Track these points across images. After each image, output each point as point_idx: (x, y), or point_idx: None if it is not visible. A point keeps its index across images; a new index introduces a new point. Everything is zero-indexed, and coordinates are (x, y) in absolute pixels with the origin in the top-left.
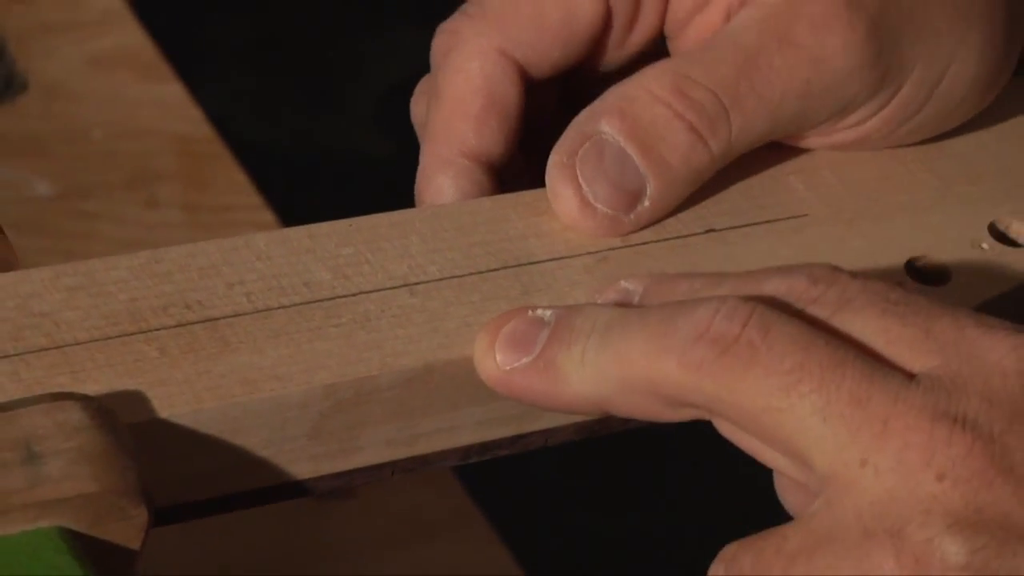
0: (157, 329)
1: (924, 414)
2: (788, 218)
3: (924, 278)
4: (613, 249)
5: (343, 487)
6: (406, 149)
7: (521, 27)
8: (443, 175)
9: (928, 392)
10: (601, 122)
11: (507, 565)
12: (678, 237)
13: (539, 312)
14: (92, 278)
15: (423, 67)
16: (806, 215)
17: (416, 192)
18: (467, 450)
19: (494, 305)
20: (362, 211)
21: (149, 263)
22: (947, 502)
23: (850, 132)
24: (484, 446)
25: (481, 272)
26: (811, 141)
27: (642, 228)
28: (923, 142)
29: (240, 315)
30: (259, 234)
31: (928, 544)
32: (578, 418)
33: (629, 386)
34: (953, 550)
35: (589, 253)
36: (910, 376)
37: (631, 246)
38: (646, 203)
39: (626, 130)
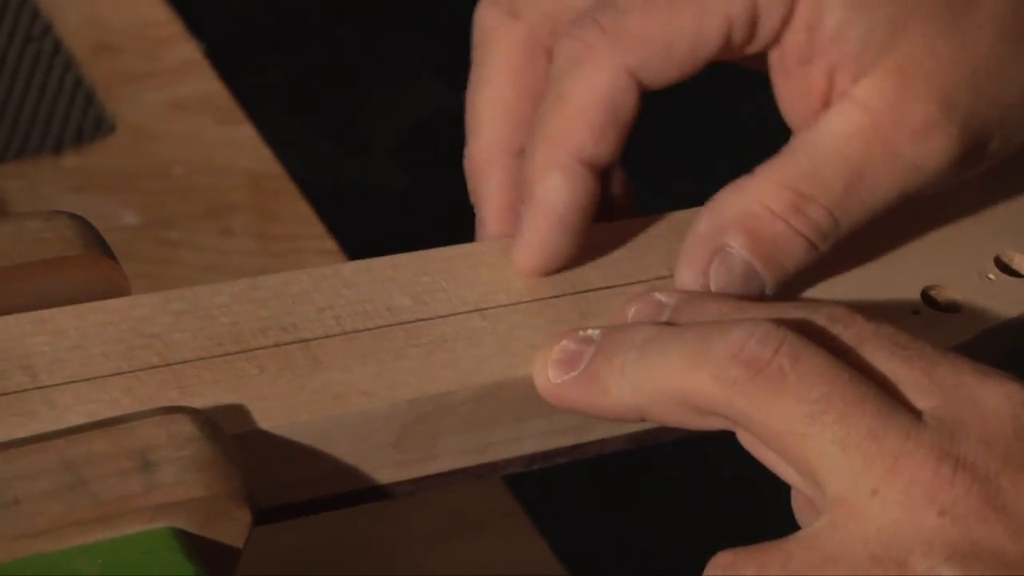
0: (256, 349)
1: (932, 453)
2: None
3: (938, 306)
4: (660, 278)
5: (420, 491)
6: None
7: (652, 52)
8: (559, 175)
9: (935, 432)
10: (727, 237)
11: (547, 560)
12: None
13: (588, 332)
14: (197, 303)
15: (440, 111)
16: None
17: (475, 183)
18: (531, 458)
19: (555, 327)
20: (380, 241)
21: (248, 290)
22: (947, 536)
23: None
24: (546, 454)
25: (544, 299)
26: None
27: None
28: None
29: (330, 336)
30: (346, 264)
31: (929, 573)
32: (630, 429)
33: (664, 396)
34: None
35: (640, 281)
36: (917, 415)
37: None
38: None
39: (751, 247)
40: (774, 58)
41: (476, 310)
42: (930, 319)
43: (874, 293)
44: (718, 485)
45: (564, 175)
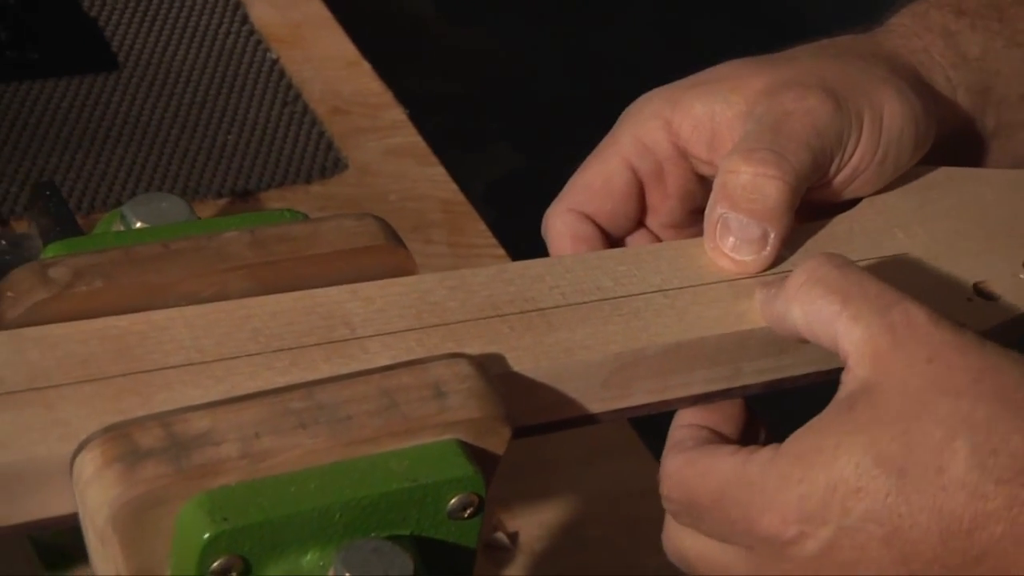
0: (507, 315)
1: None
2: (895, 254)
3: (984, 296)
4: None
5: (618, 419)
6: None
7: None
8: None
9: None
10: (717, 208)
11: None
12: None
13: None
14: (463, 281)
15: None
16: (906, 253)
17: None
18: (695, 398)
19: (716, 305)
20: None
21: (499, 273)
22: None
23: (845, 171)
24: (707, 395)
25: (707, 283)
26: (829, 192)
27: (780, 251)
28: (979, 210)
29: (558, 307)
30: (567, 256)
31: None
32: (768, 377)
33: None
34: None
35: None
36: None
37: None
38: (771, 237)
39: (731, 204)
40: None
41: (659, 291)
42: (979, 305)
43: (939, 285)
44: None
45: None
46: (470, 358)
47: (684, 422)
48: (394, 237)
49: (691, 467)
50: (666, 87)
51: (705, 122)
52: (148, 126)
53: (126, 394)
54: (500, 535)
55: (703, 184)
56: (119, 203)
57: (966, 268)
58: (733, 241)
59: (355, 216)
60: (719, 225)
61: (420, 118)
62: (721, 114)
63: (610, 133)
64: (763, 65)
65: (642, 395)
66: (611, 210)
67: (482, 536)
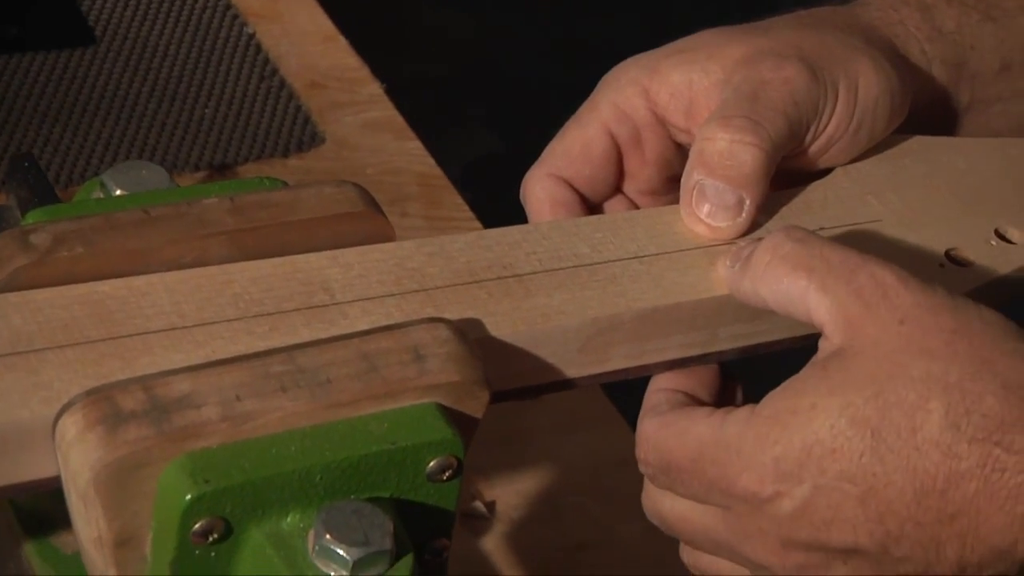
0: (485, 280)
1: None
2: (868, 222)
3: (956, 262)
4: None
5: (594, 384)
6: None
7: None
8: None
9: None
10: (694, 174)
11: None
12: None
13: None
14: (442, 247)
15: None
16: (879, 220)
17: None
18: (671, 363)
19: (691, 271)
20: None
21: (477, 239)
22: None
23: (820, 140)
24: (683, 360)
25: (683, 250)
26: (804, 160)
27: (755, 218)
28: (951, 178)
29: (536, 273)
30: (544, 222)
31: None
32: (742, 343)
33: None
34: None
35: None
36: None
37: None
38: (747, 203)
39: (707, 170)
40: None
41: (636, 257)
42: (951, 271)
43: (912, 252)
44: None
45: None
46: (449, 322)
47: (659, 386)
48: (372, 204)
49: (667, 429)
50: (644, 55)
51: (683, 90)
52: (126, 100)
53: (108, 358)
54: (478, 504)
55: (680, 152)
56: (96, 176)
57: (939, 235)
58: (709, 207)
59: (334, 183)
60: (695, 191)
61: (401, 98)
62: (698, 83)
63: (589, 99)
64: (741, 34)
65: (619, 360)
66: (589, 175)
67: (460, 501)
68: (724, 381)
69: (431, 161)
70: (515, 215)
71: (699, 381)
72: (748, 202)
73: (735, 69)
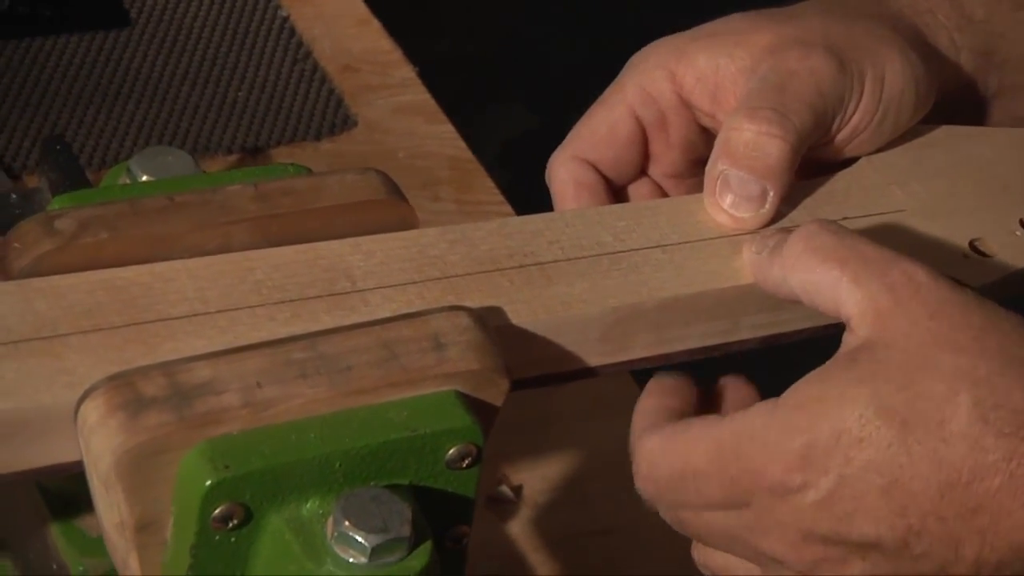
0: (507, 268)
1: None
2: (892, 212)
3: (980, 252)
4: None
5: (616, 372)
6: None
7: None
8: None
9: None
10: (719, 164)
11: None
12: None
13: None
14: (464, 235)
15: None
16: (903, 211)
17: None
18: (692, 352)
19: (713, 260)
20: None
21: (499, 227)
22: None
23: (845, 130)
24: (704, 349)
25: (704, 239)
26: (829, 150)
27: (778, 209)
28: (977, 168)
29: (558, 261)
30: (567, 211)
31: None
32: (763, 333)
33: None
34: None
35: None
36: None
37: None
38: (771, 195)
39: (732, 160)
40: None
41: (658, 246)
42: (974, 262)
43: (935, 242)
44: None
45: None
46: (469, 310)
47: (647, 407)
48: (396, 191)
49: (677, 438)
50: (672, 37)
51: (709, 75)
52: (159, 82)
53: (131, 344)
54: (504, 488)
55: (705, 135)
56: (129, 159)
57: (963, 225)
58: (732, 198)
59: (358, 171)
60: (719, 181)
61: (435, 78)
62: (725, 68)
63: (615, 81)
64: (769, 21)
65: (640, 348)
66: (614, 157)
67: (480, 486)
68: (702, 395)
69: (462, 144)
70: (548, 198)
71: (683, 398)
72: (772, 193)
73: (762, 57)
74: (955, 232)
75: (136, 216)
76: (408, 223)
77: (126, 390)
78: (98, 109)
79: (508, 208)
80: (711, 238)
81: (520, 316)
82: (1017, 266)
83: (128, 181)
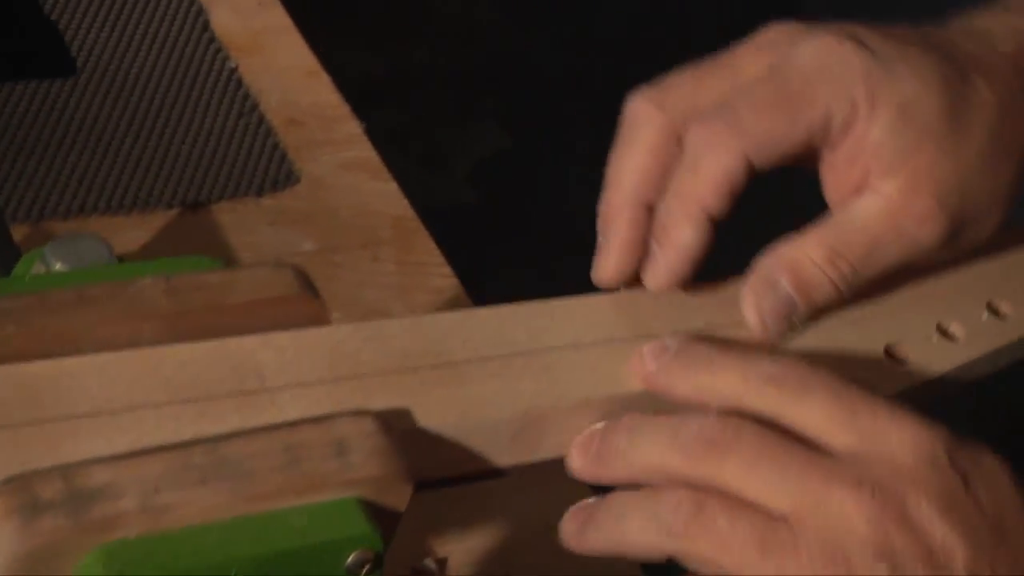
0: (419, 367)
1: (850, 481)
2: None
3: (895, 358)
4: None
5: (526, 472)
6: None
7: (761, 143)
8: (690, 223)
9: (851, 465)
10: (778, 275)
11: None
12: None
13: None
14: (379, 331)
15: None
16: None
17: (607, 221)
18: None
19: (627, 362)
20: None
21: (415, 324)
22: (874, 540)
23: None
24: None
25: (619, 340)
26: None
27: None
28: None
29: (470, 361)
30: (482, 309)
31: (866, 568)
32: None
33: (648, 470)
34: (881, 567)
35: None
36: (835, 454)
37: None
38: (794, 320)
39: (794, 284)
40: (827, 156)
41: (572, 345)
42: (888, 368)
43: (852, 346)
44: None
45: (693, 223)
46: (375, 415)
47: None
48: (309, 287)
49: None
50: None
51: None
52: (103, 134)
53: (33, 443)
54: (429, 561)
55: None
56: (69, 211)
57: (880, 329)
58: (772, 308)
59: (272, 266)
60: (773, 292)
61: (411, 91)
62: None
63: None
64: (934, 137)
65: (551, 449)
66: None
67: (408, 562)
68: None
69: (405, 203)
70: (509, 222)
71: None
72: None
73: (894, 179)
74: (872, 336)
75: (44, 310)
76: (320, 319)
77: (22, 494)
78: (39, 160)
79: (447, 269)
80: (627, 339)
81: (429, 418)
82: (933, 372)
83: (43, 268)
